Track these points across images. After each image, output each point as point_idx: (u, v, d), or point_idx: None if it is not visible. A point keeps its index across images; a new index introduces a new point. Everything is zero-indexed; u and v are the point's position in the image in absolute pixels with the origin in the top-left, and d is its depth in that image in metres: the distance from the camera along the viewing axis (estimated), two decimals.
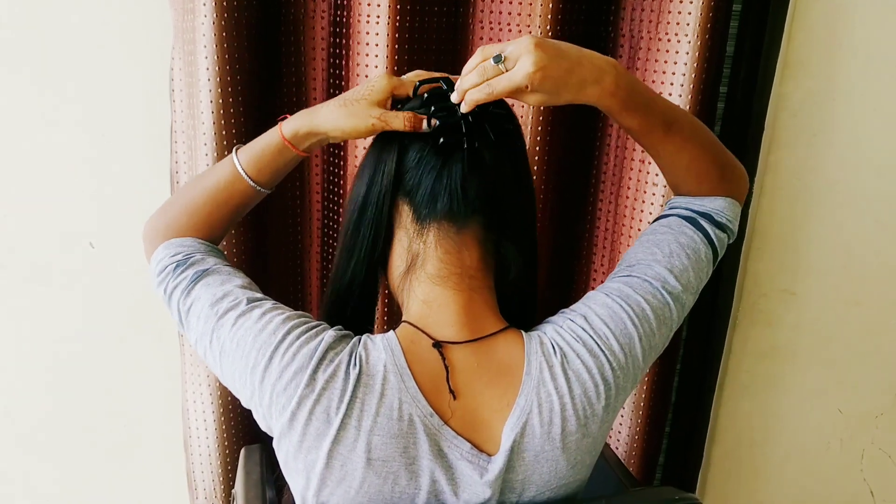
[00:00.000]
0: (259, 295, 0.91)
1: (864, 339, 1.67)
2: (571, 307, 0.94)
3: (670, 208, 1.02)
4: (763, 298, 1.65)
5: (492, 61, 0.84)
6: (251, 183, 0.97)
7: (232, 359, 0.86)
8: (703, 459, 1.77)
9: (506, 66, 0.84)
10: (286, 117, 0.97)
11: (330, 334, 0.85)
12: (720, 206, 0.99)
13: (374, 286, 0.96)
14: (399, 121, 0.89)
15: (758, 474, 1.81)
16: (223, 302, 0.89)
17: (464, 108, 0.87)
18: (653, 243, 0.96)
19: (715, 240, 0.98)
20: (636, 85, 0.90)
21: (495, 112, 0.90)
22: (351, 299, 0.95)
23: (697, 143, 0.97)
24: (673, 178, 1.02)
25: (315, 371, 0.82)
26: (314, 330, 0.86)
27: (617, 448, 1.66)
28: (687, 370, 1.66)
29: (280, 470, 0.90)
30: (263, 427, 0.88)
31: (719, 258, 1.00)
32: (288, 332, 0.84)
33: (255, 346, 0.84)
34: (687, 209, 0.99)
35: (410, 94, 0.93)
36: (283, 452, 0.86)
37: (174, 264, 0.95)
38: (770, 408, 1.75)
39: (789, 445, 1.78)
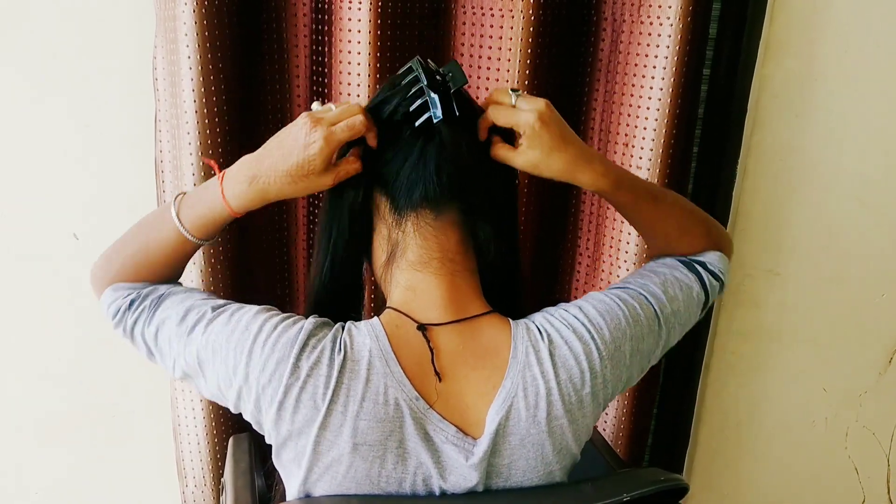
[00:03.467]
0: (222, 301, 0.91)
1: (847, 318, 1.69)
2: (569, 303, 0.96)
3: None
4: (748, 279, 1.66)
5: (510, 90, 0.90)
6: (195, 241, 0.96)
7: (212, 366, 0.86)
8: (691, 440, 1.79)
9: (516, 101, 0.90)
10: (218, 171, 0.94)
11: (310, 321, 0.86)
12: (712, 258, 1.06)
13: (357, 280, 0.97)
14: (352, 166, 0.90)
15: (744, 453, 1.83)
16: (189, 317, 0.89)
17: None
18: (649, 270, 1.02)
19: (707, 284, 1.03)
20: (620, 169, 0.97)
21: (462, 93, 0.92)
22: (336, 294, 0.96)
23: (681, 207, 1.06)
24: (664, 243, 1.07)
25: (298, 358, 0.82)
26: (290, 319, 0.86)
27: (604, 430, 1.67)
28: (674, 351, 1.66)
29: (270, 460, 0.90)
30: (255, 425, 0.88)
31: (709, 306, 1.05)
32: (262, 325, 0.85)
33: (230, 347, 0.85)
34: (681, 258, 1.05)
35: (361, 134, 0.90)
36: (275, 444, 0.86)
37: (127, 302, 0.95)
38: (756, 387, 1.76)
39: (775, 424, 1.79)
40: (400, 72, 0.92)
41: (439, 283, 0.90)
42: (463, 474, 0.85)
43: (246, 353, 0.83)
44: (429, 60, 0.92)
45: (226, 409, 1.45)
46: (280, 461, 0.88)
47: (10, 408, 1.64)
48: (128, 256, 0.99)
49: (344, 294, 0.96)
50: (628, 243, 1.45)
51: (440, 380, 0.86)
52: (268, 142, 0.91)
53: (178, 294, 0.94)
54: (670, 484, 0.92)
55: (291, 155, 0.87)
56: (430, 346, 0.87)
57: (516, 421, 0.86)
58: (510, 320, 0.92)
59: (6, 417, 1.65)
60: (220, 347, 0.85)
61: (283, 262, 1.49)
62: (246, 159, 0.91)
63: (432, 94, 0.87)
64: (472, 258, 0.93)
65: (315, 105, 0.92)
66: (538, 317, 0.93)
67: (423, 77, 0.88)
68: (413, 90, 0.89)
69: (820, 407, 1.78)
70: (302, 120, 0.87)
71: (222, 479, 1.30)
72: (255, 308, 0.88)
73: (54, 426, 1.66)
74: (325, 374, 0.82)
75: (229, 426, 1.48)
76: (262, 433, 0.88)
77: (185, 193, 0.96)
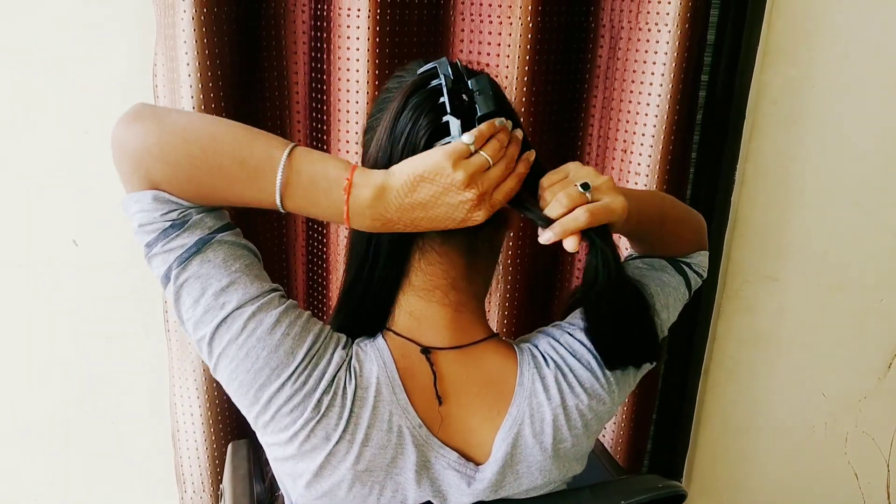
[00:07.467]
0: (266, 286, 0.81)
1: (846, 324, 1.69)
2: (569, 320, 0.94)
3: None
4: (746, 285, 1.66)
5: (580, 188, 0.80)
6: (283, 212, 0.82)
7: (235, 366, 0.80)
8: (690, 445, 1.78)
9: (593, 195, 0.80)
10: (348, 190, 0.78)
11: (338, 354, 0.82)
12: (698, 259, 1.06)
13: (390, 298, 0.90)
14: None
15: (744, 459, 1.83)
16: (230, 294, 0.79)
17: (558, 237, 0.80)
18: (640, 277, 0.99)
19: (692, 283, 1.04)
20: (639, 205, 0.90)
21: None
22: (367, 311, 0.90)
23: (681, 223, 1.05)
24: (655, 250, 1.05)
25: (322, 395, 0.80)
26: (322, 344, 0.82)
27: (603, 436, 1.67)
28: (673, 357, 1.67)
29: (270, 467, 0.90)
30: (250, 421, 0.85)
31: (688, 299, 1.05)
32: (305, 356, 0.80)
33: (268, 365, 0.79)
34: (667, 258, 1.04)
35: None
36: (272, 457, 0.86)
37: (167, 224, 0.80)
38: (755, 393, 1.76)
39: (774, 430, 1.79)
40: (425, 69, 0.83)
41: (444, 314, 0.87)
42: (463, 501, 0.86)
43: (282, 380, 0.79)
44: (458, 63, 0.82)
45: (225, 415, 1.46)
46: (276, 469, 0.88)
47: (10, 413, 1.64)
48: (191, 165, 0.79)
49: (375, 312, 0.90)
50: (626, 248, 1.45)
51: (440, 403, 0.85)
52: (409, 186, 0.77)
53: (223, 246, 0.80)
54: (668, 491, 0.92)
55: (441, 222, 0.79)
56: (433, 370, 0.86)
57: (523, 447, 0.86)
58: (515, 347, 0.91)
59: (6, 423, 1.65)
60: (259, 357, 0.79)
61: (282, 268, 1.49)
62: (384, 196, 0.77)
63: (454, 120, 0.79)
64: (477, 284, 0.90)
65: (466, 138, 0.78)
66: (542, 342, 0.91)
67: (445, 94, 0.79)
68: (437, 100, 0.80)
69: (819, 412, 1.78)
70: (464, 194, 0.77)
71: (221, 486, 1.30)
72: (299, 320, 0.81)
73: (53, 432, 1.66)
74: (340, 405, 0.80)
75: (228, 432, 1.47)
76: (255, 430, 0.85)
77: (293, 153, 0.79)
